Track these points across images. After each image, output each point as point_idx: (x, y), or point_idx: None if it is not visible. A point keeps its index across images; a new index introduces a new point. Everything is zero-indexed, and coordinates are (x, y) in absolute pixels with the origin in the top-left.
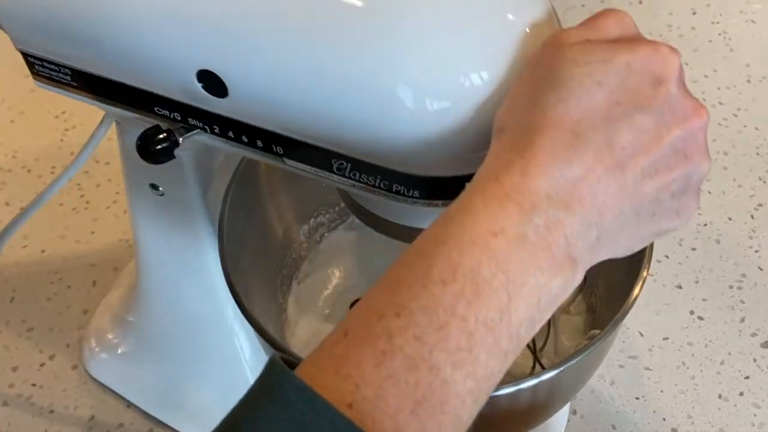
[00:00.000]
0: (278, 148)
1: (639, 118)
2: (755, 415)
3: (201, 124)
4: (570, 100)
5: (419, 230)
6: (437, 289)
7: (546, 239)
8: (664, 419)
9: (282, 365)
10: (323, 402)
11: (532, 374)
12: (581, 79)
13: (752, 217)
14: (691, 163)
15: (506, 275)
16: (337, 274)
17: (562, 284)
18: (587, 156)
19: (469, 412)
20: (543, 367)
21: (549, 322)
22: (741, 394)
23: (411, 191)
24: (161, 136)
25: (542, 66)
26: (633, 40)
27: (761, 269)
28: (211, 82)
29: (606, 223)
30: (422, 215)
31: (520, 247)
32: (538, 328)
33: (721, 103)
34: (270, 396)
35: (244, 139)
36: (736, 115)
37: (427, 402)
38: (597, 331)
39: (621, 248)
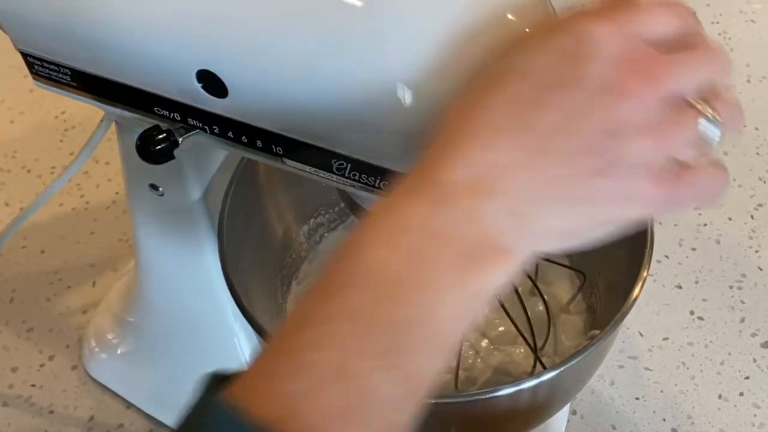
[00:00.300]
0: (278, 148)
1: (561, 100)
2: (755, 415)
3: (201, 124)
4: (492, 88)
5: None
6: (353, 294)
7: (464, 230)
8: (664, 419)
9: (212, 384)
10: (250, 424)
11: (532, 374)
12: (506, 67)
13: (752, 217)
14: (618, 142)
15: (420, 271)
16: None
17: (492, 274)
18: (508, 142)
19: (402, 414)
20: (544, 367)
21: (549, 322)
22: (741, 394)
23: None
24: (161, 136)
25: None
26: (572, 20)
27: (761, 269)
28: (211, 82)
29: (534, 209)
30: None
31: (434, 241)
32: (473, 318)
33: None
34: (200, 419)
35: (244, 139)
36: None
37: (352, 410)
38: (597, 331)
39: (569, 236)
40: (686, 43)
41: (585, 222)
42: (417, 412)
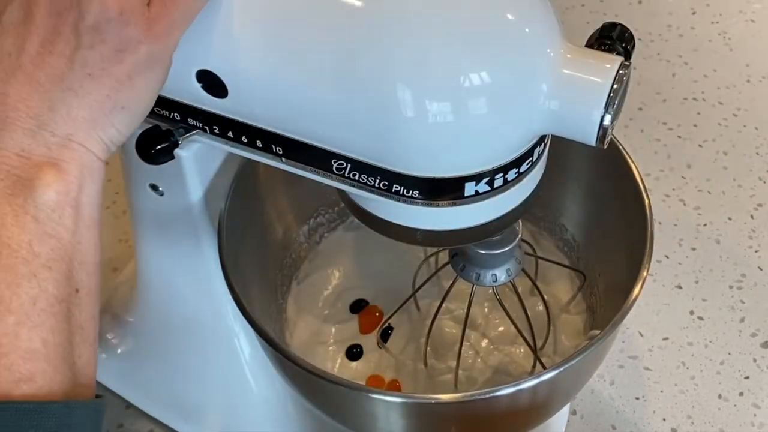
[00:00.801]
0: (278, 148)
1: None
2: (755, 415)
3: (201, 124)
4: None
5: (418, 230)
6: None
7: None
8: (664, 419)
9: None
10: None
11: (532, 374)
12: None
13: (752, 217)
14: (66, 16)
15: None
16: (337, 274)
17: (50, 189)
18: None
19: (34, 343)
20: (544, 367)
21: (549, 322)
22: (741, 394)
23: (410, 191)
24: (161, 136)
25: None
26: None
27: (761, 269)
28: (211, 82)
29: (52, 115)
30: (422, 215)
31: None
32: (58, 236)
33: (721, 103)
34: None
35: (244, 139)
36: (736, 115)
37: None
38: (597, 331)
39: (115, 113)
40: None
41: (108, 93)
42: (61, 335)
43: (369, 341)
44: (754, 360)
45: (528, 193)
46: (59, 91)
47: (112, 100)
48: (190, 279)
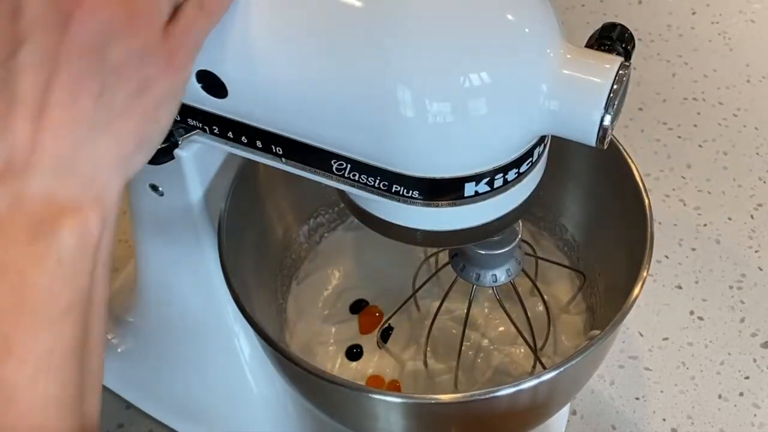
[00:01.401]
0: (278, 148)
1: (23, 54)
2: (755, 415)
3: (201, 125)
4: None
5: (418, 231)
6: None
7: (20, 212)
8: (664, 419)
9: None
10: None
11: (532, 374)
12: None
13: (752, 217)
14: (97, 54)
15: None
16: (337, 274)
17: (69, 234)
18: (6, 121)
19: (49, 391)
20: (543, 367)
21: (549, 322)
22: (741, 394)
23: (410, 192)
24: None
25: None
26: None
27: (761, 269)
28: (211, 82)
29: (77, 158)
30: (422, 215)
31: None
32: (78, 280)
33: (721, 103)
34: None
35: (244, 139)
36: (736, 115)
37: None
38: (597, 331)
39: (139, 149)
40: None
41: (133, 130)
42: (75, 387)
43: (369, 341)
44: (754, 360)
45: (528, 194)
46: (84, 131)
47: (136, 136)
48: (190, 279)
